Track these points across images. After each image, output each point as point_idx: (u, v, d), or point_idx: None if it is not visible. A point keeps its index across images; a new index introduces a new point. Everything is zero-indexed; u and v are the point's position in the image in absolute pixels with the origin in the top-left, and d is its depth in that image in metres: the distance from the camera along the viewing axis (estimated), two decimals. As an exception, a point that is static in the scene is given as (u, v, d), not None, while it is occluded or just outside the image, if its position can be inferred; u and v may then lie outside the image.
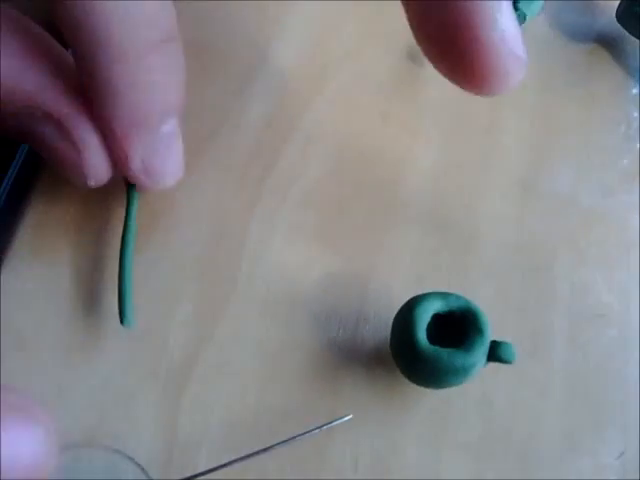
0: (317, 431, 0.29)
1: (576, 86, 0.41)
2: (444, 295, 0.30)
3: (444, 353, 0.28)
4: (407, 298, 0.30)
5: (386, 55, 0.40)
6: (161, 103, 0.25)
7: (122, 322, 0.29)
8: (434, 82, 0.39)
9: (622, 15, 0.41)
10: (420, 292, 0.30)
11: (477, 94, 0.14)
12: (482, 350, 0.29)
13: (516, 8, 0.40)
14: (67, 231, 0.32)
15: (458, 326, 0.29)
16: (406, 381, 0.30)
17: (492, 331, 0.29)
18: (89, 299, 0.31)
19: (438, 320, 0.30)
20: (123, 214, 0.32)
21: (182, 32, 0.24)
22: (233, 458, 0.29)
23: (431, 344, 0.29)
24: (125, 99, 0.24)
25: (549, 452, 0.31)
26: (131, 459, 0.29)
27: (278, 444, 0.28)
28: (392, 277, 0.34)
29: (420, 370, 0.29)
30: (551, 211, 0.37)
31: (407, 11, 0.16)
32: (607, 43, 0.42)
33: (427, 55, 0.16)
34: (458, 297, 0.30)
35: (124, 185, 0.31)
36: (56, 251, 0.32)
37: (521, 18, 0.40)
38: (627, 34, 0.41)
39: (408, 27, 0.41)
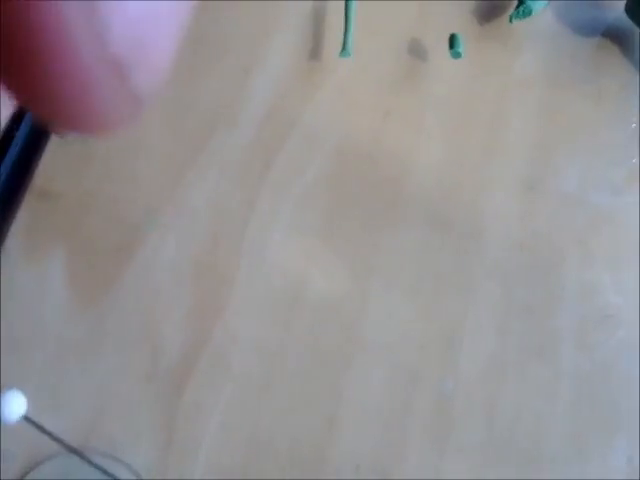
0: None
1: (584, 81, 0.40)
2: None
3: None
4: (410, 298, 0.30)
5: (388, 49, 0.39)
6: None
7: (342, 52, 0.35)
8: (437, 78, 0.39)
9: (631, 8, 0.40)
10: (420, 293, 0.30)
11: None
12: None
13: (522, 1, 0.40)
14: (60, 231, 0.32)
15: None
16: (408, 382, 0.30)
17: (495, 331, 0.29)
18: (85, 301, 0.31)
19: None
20: (115, 216, 0.32)
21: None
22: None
23: None
24: None
25: (555, 456, 0.31)
26: (125, 464, 0.29)
27: None
28: (392, 277, 0.34)
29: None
30: (558, 210, 0.36)
31: None
32: (616, 37, 0.41)
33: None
34: None
35: None
36: (49, 252, 0.32)
37: (527, 12, 0.40)
38: (636, 28, 0.41)
39: (409, 22, 0.40)
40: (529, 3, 0.39)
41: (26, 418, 0.26)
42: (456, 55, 0.38)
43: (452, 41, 0.39)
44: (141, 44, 0.08)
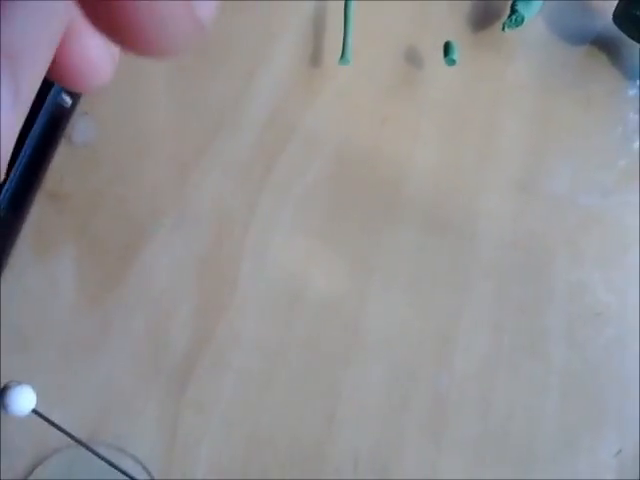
0: None
1: (573, 87, 0.41)
2: None
3: None
4: (407, 298, 0.30)
5: (385, 56, 0.40)
6: None
7: (341, 59, 0.36)
8: (433, 83, 0.40)
9: (619, 17, 0.41)
10: (418, 292, 0.30)
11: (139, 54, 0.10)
12: None
13: (514, 10, 0.40)
14: (69, 231, 0.33)
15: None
16: (405, 380, 0.31)
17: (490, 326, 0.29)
18: (91, 299, 0.31)
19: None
20: (121, 211, 0.32)
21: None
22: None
23: None
24: None
25: (547, 451, 0.31)
26: (132, 457, 0.29)
27: None
28: (391, 276, 0.34)
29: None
30: (549, 211, 0.37)
31: None
32: (604, 45, 0.42)
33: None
34: None
35: None
36: (58, 251, 0.32)
37: (519, 19, 0.40)
38: (624, 36, 0.41)
39: (405, 30, 0.41)
40: (521, 11, 0.40)
41: (35, 412, 0.26)
42: (451, 62, 0.39)
43: (447, 49, 0.39)
44: None
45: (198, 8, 0.10)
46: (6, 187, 0.31)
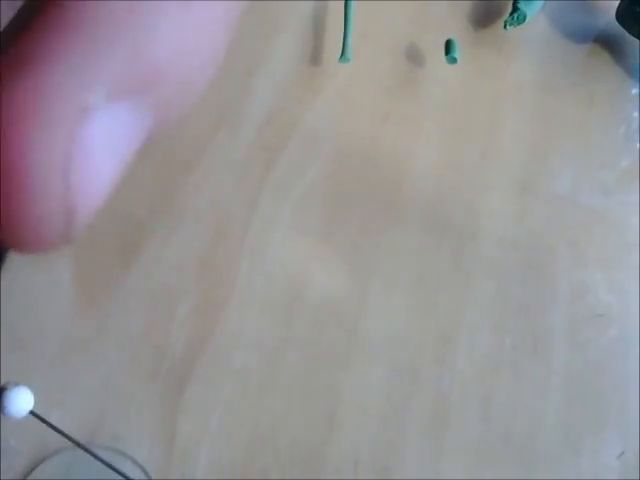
0: None
1: (576, 86, 0.41)
2: None
3: None
4: (407, 298, 0.30)
5: (385, 55, 0.40)
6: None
7: (341, 57, 0.36)
8: (434, 82, 0.39)
9: (622, 15, 0.41)
10: (418, 292, 0.30)
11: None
12: None
13: (516, 8, 0.40)
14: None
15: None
16: (406, 380, 0.30)
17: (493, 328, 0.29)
18: (89, 299, 0.31)
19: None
20: (121, 212, 0.32)
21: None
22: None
23: None
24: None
25: (549, 452, 0.31)
26: (131, 458, 0.29)
27: None
28: (391, 276, 0.34)
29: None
30: (551, 211, 0.37)
31: None
32: (607, 43, 0.42)
33: None
34: None
35: None
36: (56, 252, 0.32)
37: (521, 17, 0.40)
38: (627, 34, 0.41)
39: (406, 28, 0.41)
40: (523, 9, 0.40)
41: (32, 413, 0.26)
42: (452, 60, 0.39)
43: (448, 46, 0.39)
44: (95, 192, 0.08)
45: (78, 219, 0.08)
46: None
